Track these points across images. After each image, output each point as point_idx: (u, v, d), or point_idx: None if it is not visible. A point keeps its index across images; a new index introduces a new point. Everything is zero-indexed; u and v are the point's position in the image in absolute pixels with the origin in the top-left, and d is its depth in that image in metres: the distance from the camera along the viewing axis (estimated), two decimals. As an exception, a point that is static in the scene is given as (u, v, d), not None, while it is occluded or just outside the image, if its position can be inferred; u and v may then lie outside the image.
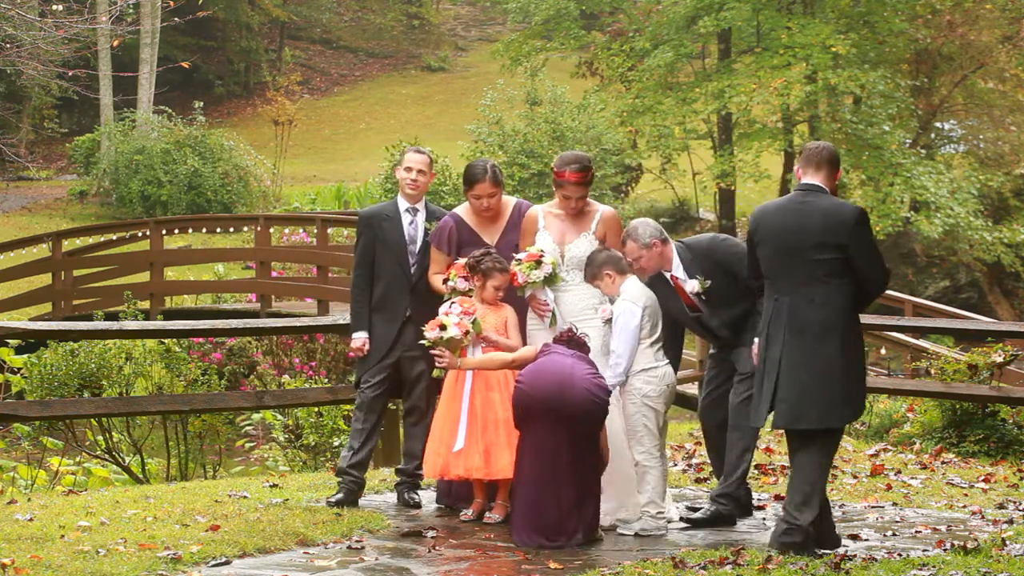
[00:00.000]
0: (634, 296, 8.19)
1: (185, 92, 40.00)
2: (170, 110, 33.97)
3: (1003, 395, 10.78)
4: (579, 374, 7.83)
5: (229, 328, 10.54)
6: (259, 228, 22.25)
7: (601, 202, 8.78)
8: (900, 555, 7.37)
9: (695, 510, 8.41)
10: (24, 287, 24.89)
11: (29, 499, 8.78)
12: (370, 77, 48.18)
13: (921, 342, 14.55)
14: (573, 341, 8.03)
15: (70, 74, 23.37)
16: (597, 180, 30.19)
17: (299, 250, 24.21)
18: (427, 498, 8.81)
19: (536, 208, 8.62)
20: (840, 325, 7.37)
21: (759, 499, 9.03)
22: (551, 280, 8.36)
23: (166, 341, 12.32)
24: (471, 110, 36.87)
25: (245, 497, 8.63)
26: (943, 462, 10.64)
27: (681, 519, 8.36)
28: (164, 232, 23.71)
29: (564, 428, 7.78)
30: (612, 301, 8.27)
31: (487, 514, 8.34)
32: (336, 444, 12.24)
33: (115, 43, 26.89)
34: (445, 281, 8.62)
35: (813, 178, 7.52)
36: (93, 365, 12.16)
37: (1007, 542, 7.46)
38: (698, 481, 9.67)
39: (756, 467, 10.17)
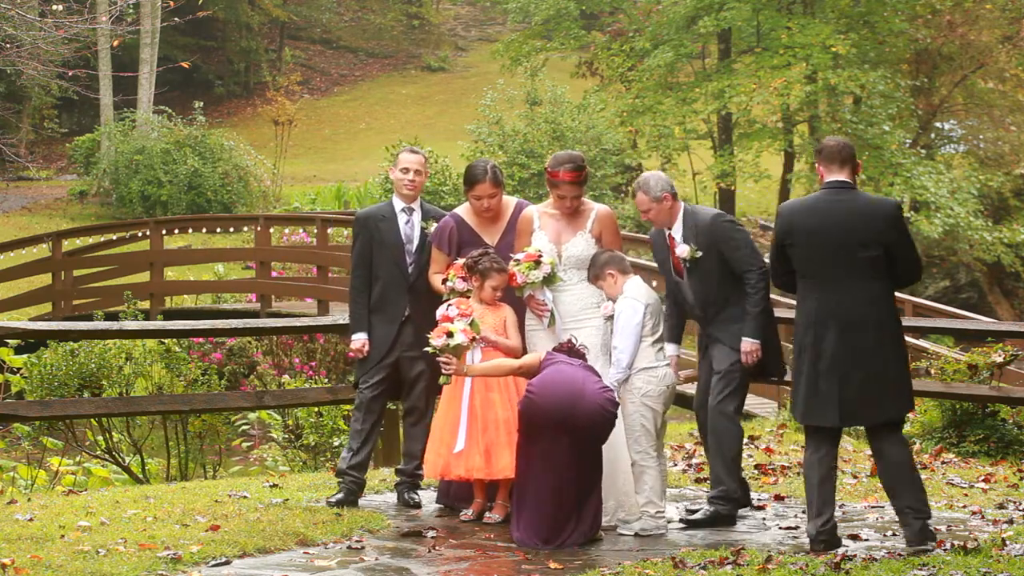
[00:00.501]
0: (636, 294, 8.19)
1: (185, 92, 40.01)
2: (170, 110, 33.98)
3: (1003, 395, 10.77)
4: (590, 387, 7.82)
5: (229, 328, 10.54)
6: (259, 228, 22.27)
7: (601, 202, 8.77)
8: (900, 555, 7.37)
9: (693, 512, 8.41)
10: (24, 287, 24.90)
11: (29, 499, 8.78)
12: (370, 77, 48.19)
13: (921, 342, 14.54)
14: (573, 352, 8.02)
15: (70, 74, 23.36)
16: (597, 180, 30.20)
17: (299, 250, 24.23)
18: (427, 498, 8.80)
19: (531, 208, 8.62)
20: (889, 320, 7.51)
21: (759, 499, 9.03)
22: (550, 280, 8.36)
23: (166, 341, 12.32)
24: (471, 110, 36.88)
25: (245, 497, 8.63)
26: (943, 462, 10.64)
27: (680, 520, 8.36)
28: (164, 232, 23.73)
29: (571, 439, 7.78)
30: (614, 302, 8.28)
31: (487, 514, 8.34)
32: (336, 444, 12.24)
33: (115, 43, 26.88)
34: (444, 281, 8.62)
35: (839, 175, 7.56)
36: (93, 365, 12.17)
37: (1007, 542, 7.46)
38: (698, 481, 9.67)
39: (756, 467, 10.17)
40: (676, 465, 10.24)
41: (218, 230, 26.23)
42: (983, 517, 8.62)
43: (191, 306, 23.23)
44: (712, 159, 31.45)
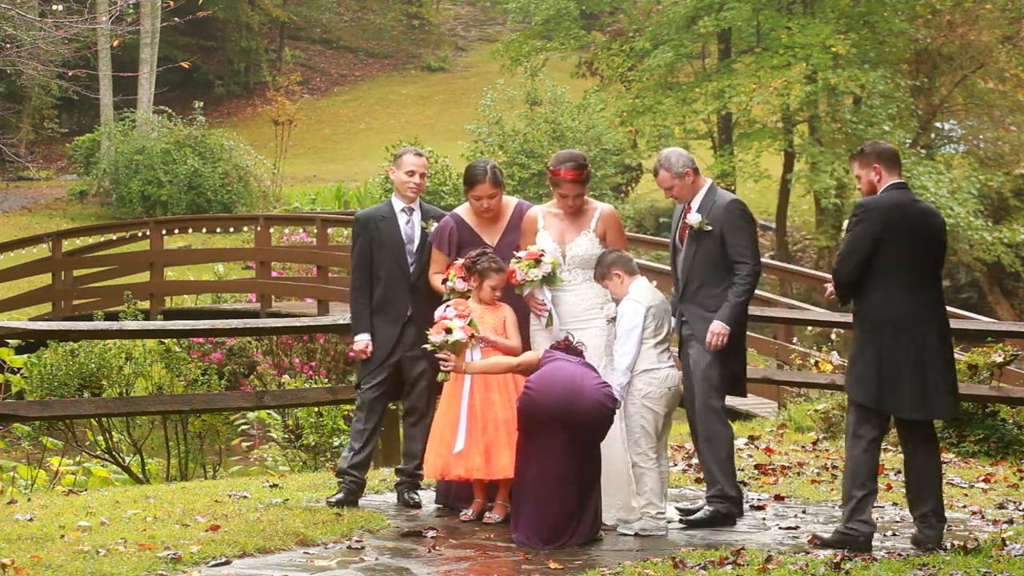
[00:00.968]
0: (640, 296, 8.18)
1: (185, 92, 40.01)
2: (170, 110, 33.98)
3: (1003, 395, 10.77)
4: (588, 383, 7.82)
5: (229, 328, 10.54)
6: (259, 228, 22.27)
7: (601, 202, 8.77)
8: (900, 555, 7.37)
9: (691, 512, 8.39)
10: (24, 287, 24.91)
11: (29, 499, 8.78)
12: (370, 77, 48.19)
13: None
14: (571, 349, 8.02)
15: (70, 74, 23.37)
16: (597, 180, 30.19)
17: (299, 250, 24.24)
18: (427, 498, 8.80)
19: (535, 209, 8.62)
20: (947, 320, 7.77)
21: (759, 499, 9.03)
22: (549, 280, 8.35)
23: (166, 341, 12.33)
24: (471, 110, 36.88)
25: (245, 497, 8.63)
26: (943, 462, 10.61)
27: (680, 520, 8.35)
28: (164, 232, 23.75)
29: (570, 435, 7.78)
30: (619, 303, 8.27)
31: (487, 514, 8.34)
32: (336, 444, 12.24)
33: (115, 43, 26.89)
34: (444, 281, 8.62)
35: (897, 178, 7.72)
36: (93, 365, 12.17)
37: (1007, 542, 7.47)
38: (698, 481, 9.66)
39: (756, 467, 10.17)
40: (676, 465, 10.24)
41: (218, 230, 26.25)
42: (983, 517, 8.62)
43: (191, 306, 23.24)
44: (712, 159, 31.42)
